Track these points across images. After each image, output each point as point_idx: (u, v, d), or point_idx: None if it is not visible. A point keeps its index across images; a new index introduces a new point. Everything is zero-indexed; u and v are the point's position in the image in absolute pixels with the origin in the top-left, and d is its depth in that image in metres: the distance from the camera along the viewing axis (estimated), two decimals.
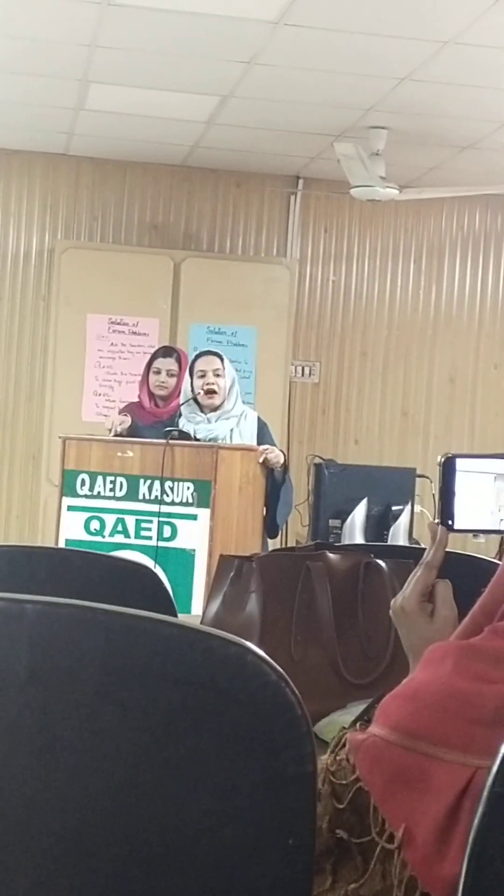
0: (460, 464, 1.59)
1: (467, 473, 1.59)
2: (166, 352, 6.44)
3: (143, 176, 8.66)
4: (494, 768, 1.16)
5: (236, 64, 6.33)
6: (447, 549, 1.57)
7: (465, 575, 1.57)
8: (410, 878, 1.24)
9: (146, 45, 6.13)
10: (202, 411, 6.01)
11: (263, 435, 6.10)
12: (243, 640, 1.18)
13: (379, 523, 6.61)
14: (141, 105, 7.17)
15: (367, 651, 2.39)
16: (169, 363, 6.25)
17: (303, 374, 8.86)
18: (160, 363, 6.27)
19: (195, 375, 5.99)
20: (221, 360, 6.04)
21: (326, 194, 8.63)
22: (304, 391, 8.89)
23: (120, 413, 6.28)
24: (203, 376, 5.97)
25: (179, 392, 6.16)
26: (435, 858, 1.21)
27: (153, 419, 6.13)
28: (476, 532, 1.65)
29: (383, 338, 8.98)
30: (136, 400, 6.37)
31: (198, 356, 6.15)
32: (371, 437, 8.95)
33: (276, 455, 5.87)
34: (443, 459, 1.59)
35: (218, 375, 5.97)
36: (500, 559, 1.51)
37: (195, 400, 5.98)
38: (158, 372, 6.24)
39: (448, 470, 1.58)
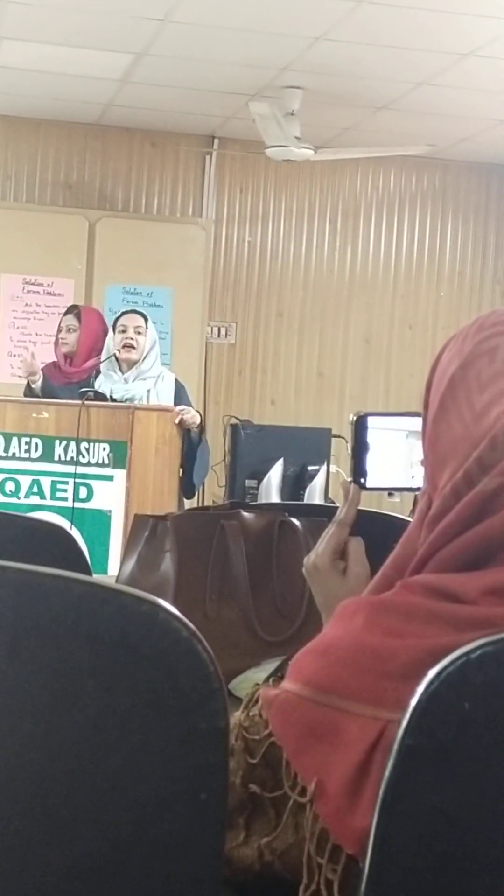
0: (372, 422, 1.59)
1: (379, 431, 1.60)
2: (68, 310, 6.59)
3: (57, 134, 8.57)
4: (405, 721, 1.18)
5: (150, 21, 6.28)
6: (360, 507, 1.58)
7: (377, 532, 1.57)
8: (322, 830, 1.25)
9: (59, 0, 6.06)
10: (121, 370, 6.02)
11: (181, 396, 6.11)
12: (155, 598, 1.18)
13: (295, 483, 6.64)
14: (54, 62, 7.09)
15: (282, 609, 2.41)
16: (68, 320, 6.36)
17: (219, 335, 8.85)
18: (62, 321, 6.41)
19: (117, 331, 6.05)
20: (146, 320, 6.08)
21: (242, 154, 8.60)
22: (221, 352, 8.88)
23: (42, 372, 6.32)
24: (124, 331, 6.01)
25: (87, 349, 6.21)
26: (346, 811, 1.22)
27: (65, 380, 6.16)
28: (388, 490, 1.66)
29: (299, 298, 8.99)
30: (55, 360, 6.42)
31: (123, 313, 6.22)
32: (287, 398, 8.97)
33: (192, 416, 5.87)
34: (355, 418, 1.59)
35: (139, 333, 6.01)
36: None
37: (116, 357, 6.00)
38: (60, 330, 6.34)
39: (360, 428, 1.59)
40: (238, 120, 8.06)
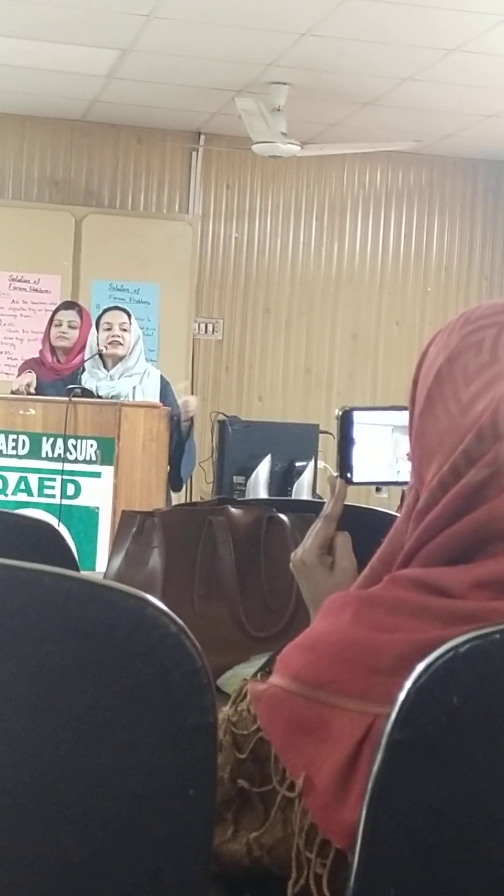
0: (358, 416, 1.59)
1: (365, 426, 1.59)
2: (67, 305, 6.51)
3: (43, 131, 8.56)
4: (393, 716, 1.18)
5: (136, 17, 6.27)
6: (347, 502, 1.58)
7: (365, 527, 1.57)
8: (311, 825, 1.25)
9: None
10: (105, 367, 6.01)
11: (166, 393, 6.11)
12: (142, 593, 1.18)
13: (283, 479, 6.64)
14: (39, 58, 7.08)
15: (270, 604, 2.41)
16: (70, 315, 6.28)
17: (206, 331, 8.84)
18: (61, 315, 6.30)
19: (101, 329, 6.02)
20: (129, 316, 6.07)
21: (228, 150, 8.59)
22: (208, 348, 8.87)
23: (22, 369, 6.26)
24: (109, 329, 5.99)
25: (81, 347, 6.17)
26: (334, 805, 1.22)
27: (54, 376, 6.13)
28: (374, 484, 1.66)
29: (286, 294, 8.99)
30: (37, 356, 6.36)
31: (105, 310, 6.18)
32: (274, 394, 8.97)
33: (195, 403, 5.97)
34: (340, 412, 1.59)
35: (124, 330, 6.00)
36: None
37: (100, 355, 5.99)
38: (59, 324, 6.26)
39: (346, 423, 1.58)
40: (224, 116, 8.05)
